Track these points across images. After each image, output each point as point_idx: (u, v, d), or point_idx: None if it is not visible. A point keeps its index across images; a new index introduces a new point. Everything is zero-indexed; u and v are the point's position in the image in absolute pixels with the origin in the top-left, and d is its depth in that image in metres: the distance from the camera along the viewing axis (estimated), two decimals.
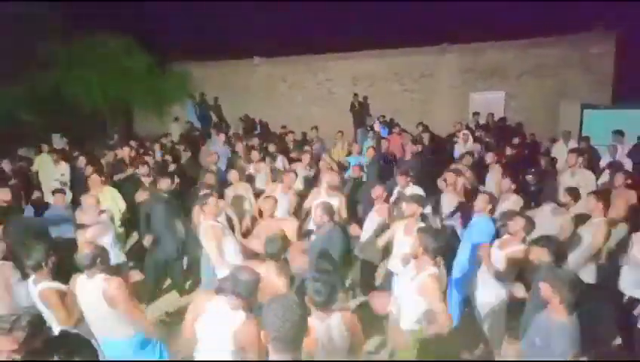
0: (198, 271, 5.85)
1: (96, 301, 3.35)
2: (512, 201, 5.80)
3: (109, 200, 6.27)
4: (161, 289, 6.31)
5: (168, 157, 9.13)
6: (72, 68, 13.97)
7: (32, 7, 13.25)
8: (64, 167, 8.42)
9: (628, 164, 7.73)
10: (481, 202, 4.86)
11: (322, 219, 4.79)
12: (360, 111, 13.96)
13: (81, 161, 8.16)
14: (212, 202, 4.74)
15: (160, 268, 6.07)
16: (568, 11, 13.24)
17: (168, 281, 6.39)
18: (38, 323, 2.50)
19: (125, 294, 3.38)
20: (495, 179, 6.87)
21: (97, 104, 14.84)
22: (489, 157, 7.37)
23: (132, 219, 6.74)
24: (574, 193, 5.38)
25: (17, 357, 2.34)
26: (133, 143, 10.27)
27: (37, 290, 3.43)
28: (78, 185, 7.39)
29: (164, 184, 6.04)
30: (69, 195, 7.09)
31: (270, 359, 2.04)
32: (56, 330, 3.10)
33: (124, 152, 8.95)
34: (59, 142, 11.23)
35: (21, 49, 13.01)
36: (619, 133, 8.68)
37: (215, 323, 2.94)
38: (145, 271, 6.02)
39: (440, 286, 3.36)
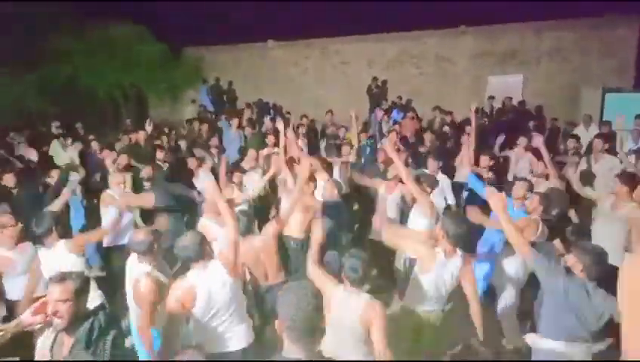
0: None
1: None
2: (545, 186, 5.64)
3: (129, 182, 6.29)
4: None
5: (182, 143, 9.10)
6: (86, 57, 14.05)
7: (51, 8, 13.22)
8: (74, 153, 8.50)
9: None
10: (520, 189, 4.63)
11: (332, 193, 4.90)
12: (377, 95, 13.76)
13: (95, 145, 8.19)
14: (212, 199, 4.44)
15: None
16: None
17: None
18: (86, 279, 2.54)
19: (150, 301, 3.21)
20: (529, 163, 6.77)
21: (112, 92, 14.92)
22: (523, 142, 7.21)
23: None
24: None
25: (65, 307, 2.35)
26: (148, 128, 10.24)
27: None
28: (92, 170, 7.39)
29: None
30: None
31: (285, 349, 1.97)
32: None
33: (140, 136, 8.93)
34: (57, 129, 11.30)
35: (34, 39, 13.06)
36: None
37: None
38: None
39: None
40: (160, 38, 15.47)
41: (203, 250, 3.05)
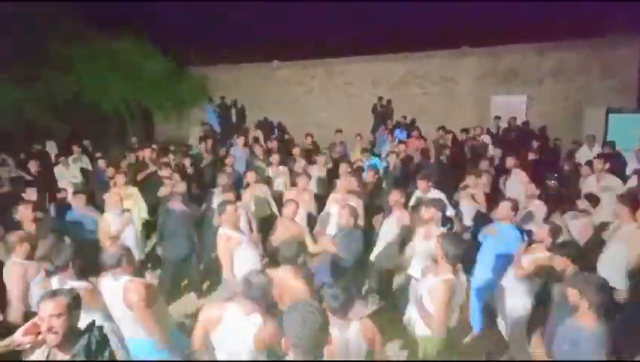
0: (215, 272, 5.87)
1: (119, 301, 3.38)
2: (536, 207, 5.68)
3: (131, 200, 6.36)
4: (179, 291, 6.35)
5: (186, 160, 9.18)
6: (92, 72, 14.20)
7: (52, 12, 13.44)
8: (76, 170, 8.63)
9: None
10: (504, 210, 4.76)
11: (349, 222, 4.77)
12: (382, 114, 13.88)
13: (101, 163, 8.31)
14: (230, 210, 4.61)
15: (176, 270, 6.10)
16: (591, 14, 12.97)
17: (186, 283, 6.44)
18: (77, 294, 2.56)
19: (143, 299, 3.33)
20: (520, 183, 6.76)
21: (117, 108, 15.09)
22: (509, 162, 7.23)
23: (151, 220, 6.82)
24: (593, 199, 5.27)
25: (59, 323, 2.35)
26: (154, 146, 10.38)
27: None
28: (97, 187, 7.50)
29: (181, 187, 6.15)
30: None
31: None
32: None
33: (145, 153, 9.05)
34: (52, 147, 11.46)
35: (40, 53, 13.24)
36: None
37: (233, 331, 2.92)
38: (161, 272, 6.11)
39: (449, 292, 3.30)
40: (166, 55, 15.71)
41: (268, 294, 3.03)
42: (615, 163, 7.52)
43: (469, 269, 4.86)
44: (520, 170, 6.93)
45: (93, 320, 2.68)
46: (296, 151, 9.09)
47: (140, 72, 15.22)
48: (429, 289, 3.40)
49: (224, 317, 2.96)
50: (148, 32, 14.90)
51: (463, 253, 3.43)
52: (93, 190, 7.65)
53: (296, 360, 1.99)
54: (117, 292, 3.39)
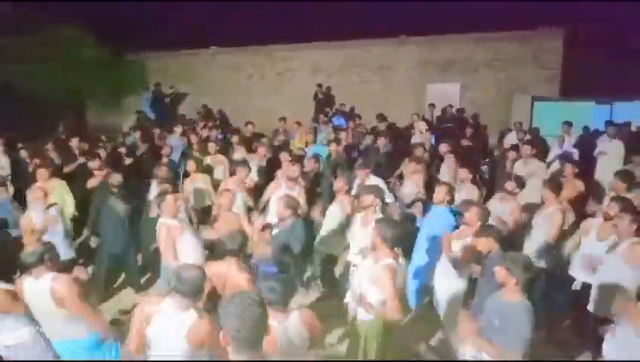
0: (154, 266, 5.69)
1: (45, 301, 3.18)
2: (468, 190, 5.94)
3: (57, 193, 5.97)
4: (115, 287, 6.10)
5: (122, 150, 8.75)
6: (23, 60, 13.30)
7: None
8: (3, 161, 7.99)
9: (575, 155, 8.13)
10: (440, 193, 4.94)
11: (285, 212, 4.80)
12: (322, 102, 13.92)
13: (23, 153, 7.77)
14: (170, 200, 4.56)
15: (110, 264, 5.85)
16: (521, 7, 13.60)
17: (122, 278, 6.20)
18: None
19: (75, 293, 3.21)
20: (450, 168, 7.02)
21: (48, 96, 14.21)
22: (443, 147, 7.49)
23: (81, 214, 6.46)
24: (519, 181, 5.60)
25: None
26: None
27: None
28: (21, 179, 7.01)
29: (115, 179, 5.81)
30: (10, 189, 6.65)
31: (230, 359, 1.97)
32: None
33: (73, 143, 8.56)
34: None
35: None
36: (567, 124, 9.03)
37: (167, 327, 2.79)
38: (96, 267, 5.86)
39: (394, 276, 3.34)
40: (101, 42, 14.93)
41: (201, 289, 2.88)
42: (539, 148, 8.03)
43: (409, 253, 5.06)
44: (451, 156, 7.17)
45: None
46: (235, 139, 8.90)
47: (76, 60, 14.41)
48: (372, 277, 3.42)
49: (158, 313, 2.83)
50: (85, 19, 14.07)
51: (401, 235, 3.52)
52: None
53: (237, 353, 1.95)
54: (42, 291, 3.18)
